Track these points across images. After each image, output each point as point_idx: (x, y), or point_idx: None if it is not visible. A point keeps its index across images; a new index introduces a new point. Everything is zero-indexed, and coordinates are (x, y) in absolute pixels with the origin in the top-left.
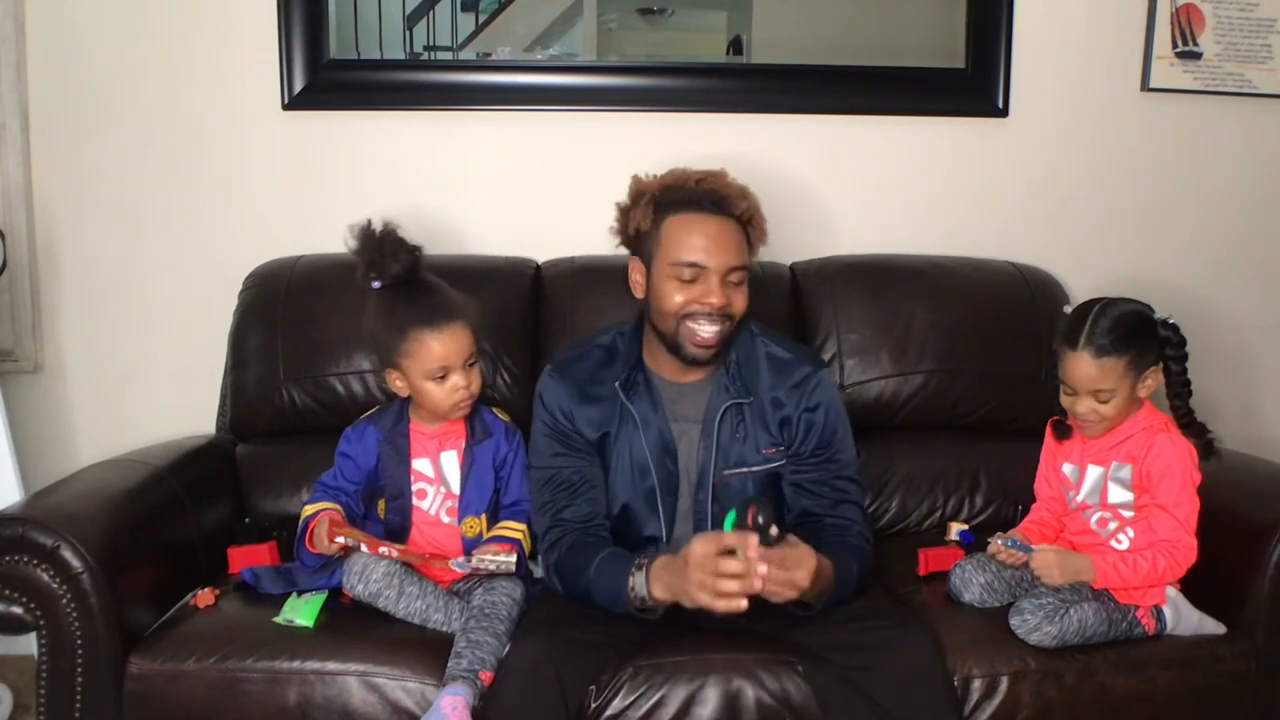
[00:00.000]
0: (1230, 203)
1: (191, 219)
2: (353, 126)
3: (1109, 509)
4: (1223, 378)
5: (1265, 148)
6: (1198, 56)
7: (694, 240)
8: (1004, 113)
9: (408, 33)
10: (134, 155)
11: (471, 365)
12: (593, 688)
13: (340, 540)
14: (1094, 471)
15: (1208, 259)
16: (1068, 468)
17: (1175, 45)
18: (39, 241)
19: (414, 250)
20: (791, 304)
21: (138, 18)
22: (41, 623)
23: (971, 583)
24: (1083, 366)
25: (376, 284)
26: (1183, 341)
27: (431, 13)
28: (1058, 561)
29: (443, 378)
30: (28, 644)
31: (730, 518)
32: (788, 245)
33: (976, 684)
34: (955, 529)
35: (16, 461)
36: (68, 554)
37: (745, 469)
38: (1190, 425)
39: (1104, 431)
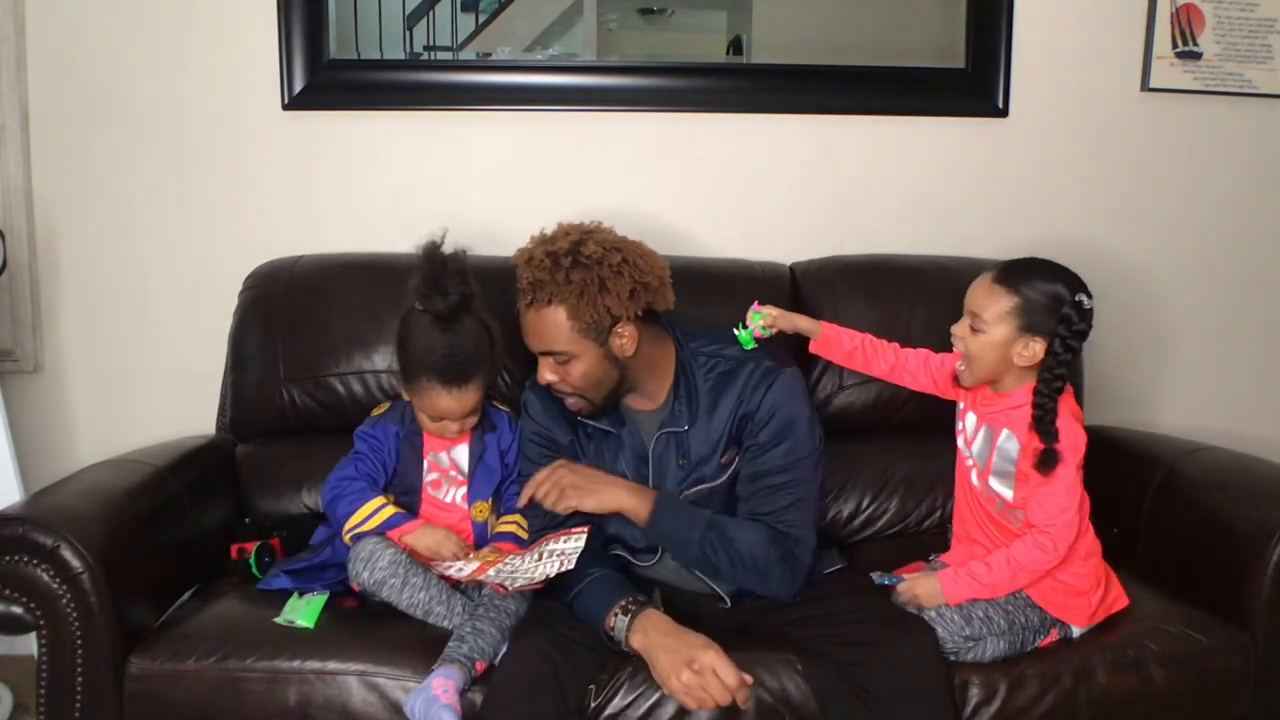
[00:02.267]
0: (1230, 203)
1: (191, 219)
2: (353, 126)
3: (993, 492)
4: (1222, 377)
5: (1265, 148)
6: (1198, 56)
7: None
8: (1004, 113)
9: (408, 33)
10: (134, 155)
11: (471, 414)
12: (592, 688)
13: (469, 565)
14: (984, 432)
15: (1208, 259)
16: (970, 417)
17: (1175, 45)
18: (39, 241)
19: (469, 291)
20: (791, 304)
21: (138, 18)
22: (41, 623)
23: (908, 606)
24: (978, 285)
25: (419, 306)
26: (1082, 333)
27: (431, 13)
28: (919, 592)
29: (438, 419)
30: (28, 644)
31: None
32: (788, 245)
33: (974, 690)
34: None
35: (16, 461)
36: (68, 554)
37: (705, 484)
38: (1042, 420)
39: (971, 383)
